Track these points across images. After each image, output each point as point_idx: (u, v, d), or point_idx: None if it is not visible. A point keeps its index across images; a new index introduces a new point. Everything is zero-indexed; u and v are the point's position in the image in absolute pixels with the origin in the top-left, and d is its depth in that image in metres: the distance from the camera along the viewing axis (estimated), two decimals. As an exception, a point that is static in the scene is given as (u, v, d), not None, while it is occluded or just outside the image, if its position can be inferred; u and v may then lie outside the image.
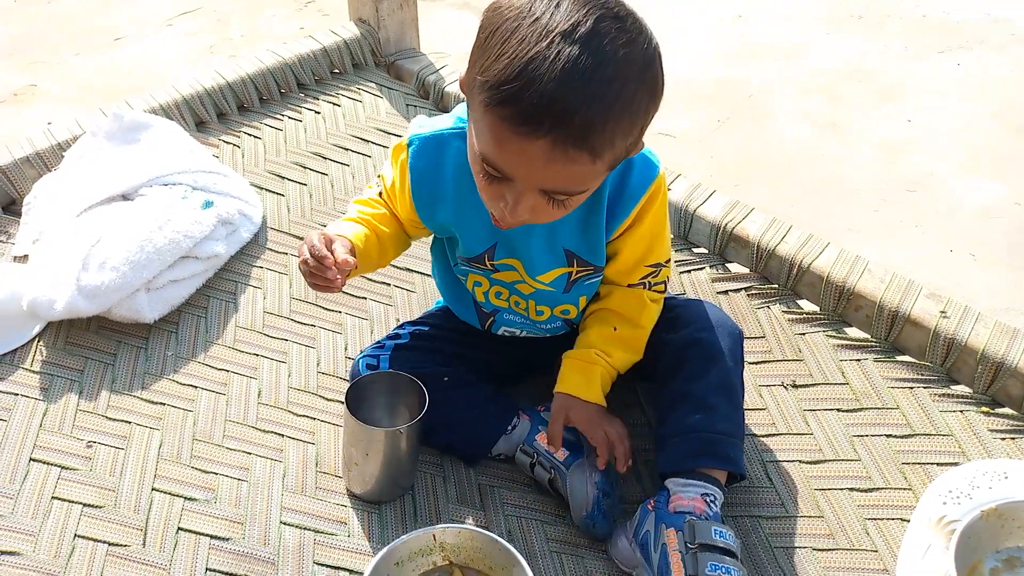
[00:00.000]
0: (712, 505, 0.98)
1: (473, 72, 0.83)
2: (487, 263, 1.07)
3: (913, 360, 1.19)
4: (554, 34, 0.76)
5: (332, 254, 0.95)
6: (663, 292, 1.09)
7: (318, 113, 1.63)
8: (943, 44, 2.98)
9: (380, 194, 1.11)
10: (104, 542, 0.99)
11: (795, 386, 1.19)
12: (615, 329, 1.07)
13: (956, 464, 1.06)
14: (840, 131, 2.58)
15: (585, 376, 1.07)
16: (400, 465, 1.06)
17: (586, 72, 0.76)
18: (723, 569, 0.93)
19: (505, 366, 1.19)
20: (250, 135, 1.56)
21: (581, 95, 0.76)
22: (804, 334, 1.24)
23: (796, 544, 1.04)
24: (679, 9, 3.18)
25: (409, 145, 1.02)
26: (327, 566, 1.01)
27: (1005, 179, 2.38)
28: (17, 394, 1.14)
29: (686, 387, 1.03)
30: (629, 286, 1.07)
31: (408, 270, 1.38)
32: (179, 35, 3.09)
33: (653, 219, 1.02)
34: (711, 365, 1.03)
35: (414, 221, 1.08)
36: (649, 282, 1.07)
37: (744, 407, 1.17)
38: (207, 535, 1.02)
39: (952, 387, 1.16)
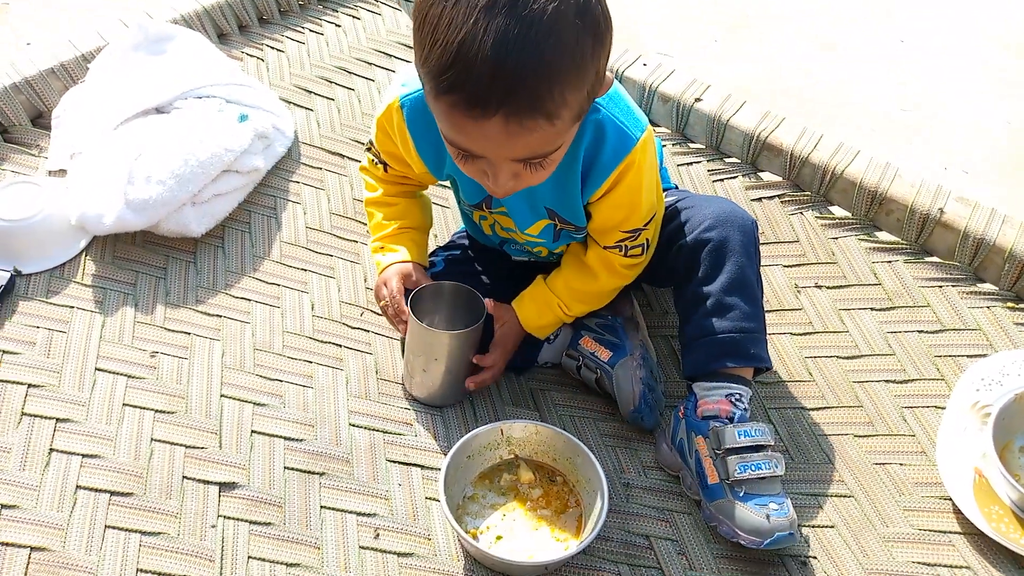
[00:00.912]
0: (738, 403, 1.01)
1: (417, 62, 0.83)
2: (486, 210, 1.10)
3: (941, 260, 1.25)
4: (478, 10, 0.75)
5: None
6: (640, 256, 1.08)
7: (339, 27, 1.60)
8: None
9: (385, 168, 1.13)
10: (181, 445, 1.02)
11: (819, 287, 1.24)
12: (576, 287, 1.11)
13: (985, 356, 1.13)
14: (835, 50, 2.61)
15: (538, 313, 1.13)
16: (463, 369, 1.10)
17: (518, 40, 0.75)
18: (752, 466, 0.96)
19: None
20: (272, 48, 1.53)
21: (518, 65, 0.75)
22: (836, 238, 1.29)
23: (838, 432, 1.11)
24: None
25: (402, 107, 1.02)
26: (399, 463, 1.05)
27: (999, 97, 2.44)
28: (72, 307, 1.14)
29: (701, 288, 1.04)
30: (605, 247, 1.07)
31: (442, 186, 1.39)
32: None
33: (629, 188, 1.00)
34: (724, 263, 1.03)
35: (420, 171, 1.10)
36: (626, 246, 1.06)
37: (779, 308, 1.23)
38: (281, 436, 1.05)
39: (979, 285, 1.22)
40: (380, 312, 1.18)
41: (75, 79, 1.35)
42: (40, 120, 1.34)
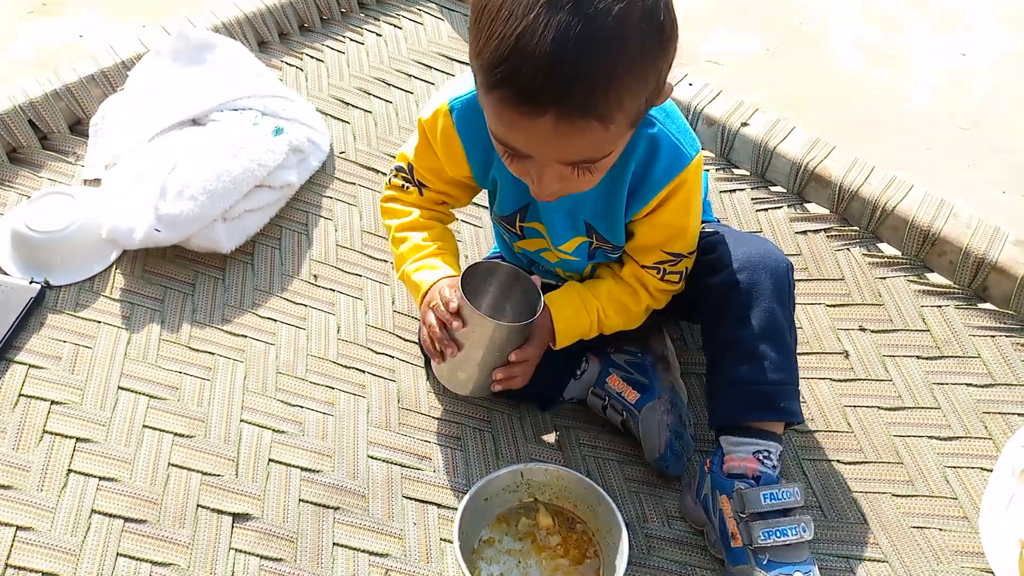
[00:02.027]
0: (766, 460, 0.96)
1: (471, 55, 0.79)
2: (516, 226, 1.05)
3: (996, 308, 1.18)
4: (540, 4, 0.72)
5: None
6: (676, 283, 1.04)
7: (379, 36, 1.58)
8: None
9: (421, 190, 1.08)
10: (198, 471, 1.01)
11: (863, 330, 1.18)
12: (617, 297, 1.05)
13: (1038, 415, 1.07)
14: (894, 63, 2.51)
15: (575, 313, 1.04)
16: (497, 364, 1.01)
17: (579, 38, 0.71)
18: (777, 532, 0.92)
19: None
20: (313, 57, 1.51)
21: (577, 63, 0.72)
22: (885, 278, 1.23)
23: (875, 490, 1.05)
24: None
25: (451, 111, 0.98)
26: (416, 499, 1.03)
27: (1065, 117, 2.33)
28: (100, 322, 1.14)
29: (730, 334, 0.99)
30: (643, 266, 1.03)
31: (475, 204, 1.36)
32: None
33: (676, 209, 0.97)
34: (754, 308, 0.98)
35: (464, 182, 1.06)
36: (664, 269, 1.02)
37: (820, 351, 1.17)
38: (298, 466, 1.03)
39: (1035, 337, 1.15)
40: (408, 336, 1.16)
41: (114, 86, 1.35)
42: (78, 127, 1.34)
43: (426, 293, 1.03)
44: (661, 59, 0.78)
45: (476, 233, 1.35)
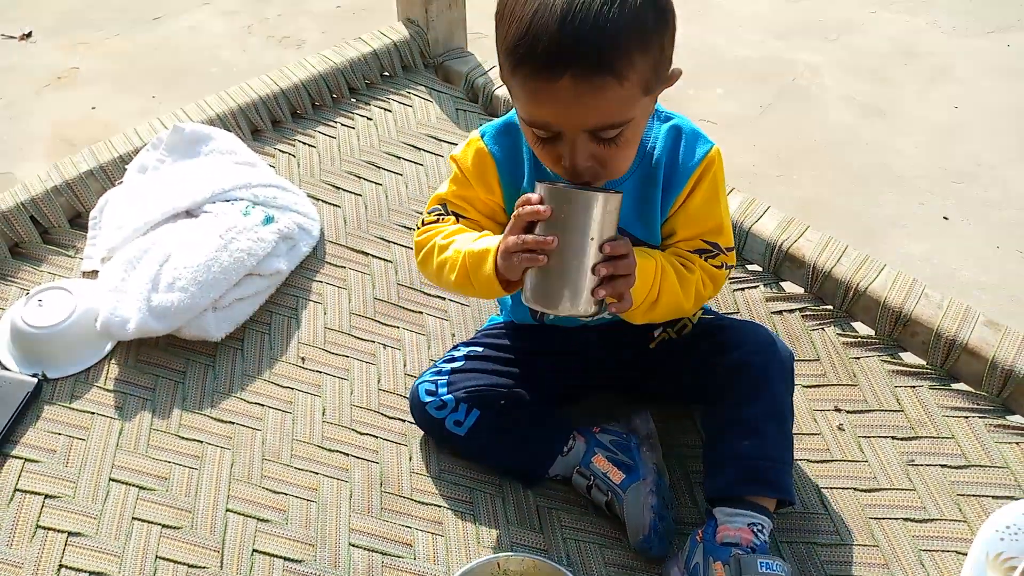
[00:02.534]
0: (760, 534, 0.99)
1: (498, 48, 0.90)
2: None
3: (969, 389, 1.19)
4: None
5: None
6: (720, 269, 1.05)
7: (370, 119, 1.63)
8: (993, 23, 2.90)
9: (458, 219, 1.07)
10: (184, 564, 1.04)
11: (839, 410, 1.20)
12: (675, 263, 1.03)
13: (1012, 497, 1.08)
14: (886, 117, 2.54)
15: (641, 255, 0.96)
16: (591, 253, 0.89)
17: (583, 6, 0.83)
18: None
19: (558, 384, 1.21)
20: (305, 143, 1.57)
21: (585, 24, 0.83)
22: (859, 358, 1.25)
23: (851, 573, 1.06)
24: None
25: (482, 136, 1.07)
26: (396, 589, 1.05)
27: (1057, 171, 2.34)
28: (94, 413, 1.18)
29: (735, 412, 1.04)
30: (687, 251, 1.06)
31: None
32: (217, 13, 3.08)
33: (707, 195, 1.03)
34: (760, 390, 1.04)
35: (496, 213, 1.09)
36: (707, 255, 1.05)
37: (797, 432, 1.19)
38: (281, 557, 1.06)
39: (1008, 418, 1.16)
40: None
41: (112, 180, 1.41)
42: (78, 220, 1.40)
43: (497, 248, 0.95)
44: (662, 27, 0.88)
45: (463, 312, 1.38)
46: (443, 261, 1.03)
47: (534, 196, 0.90)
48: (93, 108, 2.66)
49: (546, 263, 0.88)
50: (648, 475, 1.11)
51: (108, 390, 1.21)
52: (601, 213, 0.88)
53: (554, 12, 0.83)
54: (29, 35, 2.98)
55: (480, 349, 1.22)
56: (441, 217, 1.10)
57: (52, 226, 1.38)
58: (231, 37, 2.96)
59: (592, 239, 0.88)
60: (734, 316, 1.30)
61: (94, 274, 1.32)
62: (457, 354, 1.21)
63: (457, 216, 1.09)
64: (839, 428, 1.18)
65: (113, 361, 1.25)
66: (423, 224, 1.10)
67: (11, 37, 2.97)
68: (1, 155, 2.47)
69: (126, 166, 1.41)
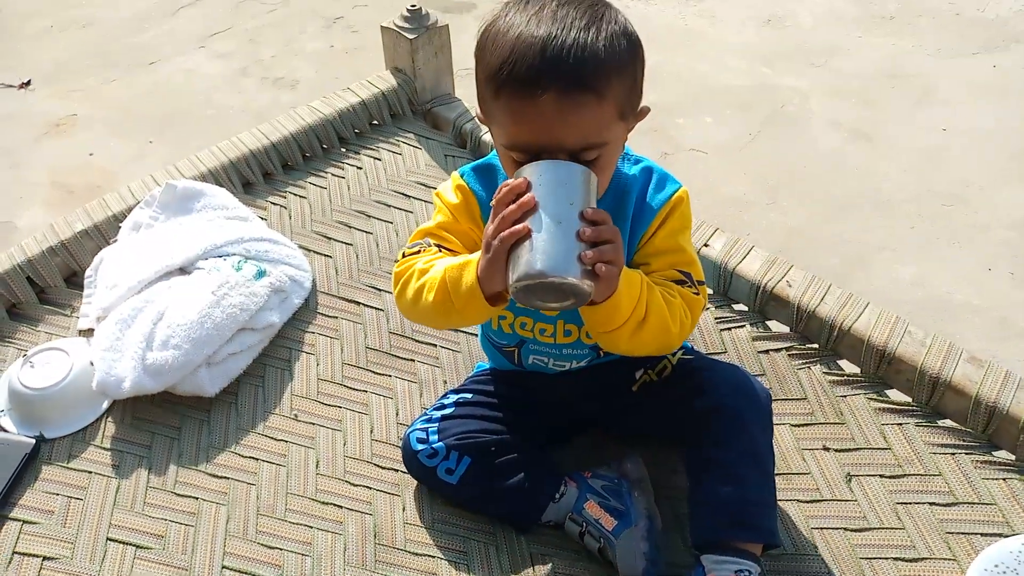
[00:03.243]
0: None
1: (479, 81, 0.94)
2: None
3: (955, 425, 1.21)
4: (529, 15, 0.91)
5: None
6: (698, 295, 1.04)
7: (360, 168, 1.66)
8: (978, 44, 2.93)
9: (419, 250, 1.08)
10: (181, 623, 1.05)
11: (827, 449, 1.21)
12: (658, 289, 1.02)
13: (1000, 535, 1.09)
14: (874, 141, 2.56)
15: (626, 273, 0.96)
16: (575, 219, 0.89)
17: (563, 29, 0.89)
18: None
19: (548, 428, 1.23)
20: (296, 195, 1.60)
21: (564, 46, 0.88)
22: (845, 396, 1.26)
23: (842, 615, 1.07)
24: (716, 7, 3.16)
25: (462, 175, 1.10)
26: (390, 643, 1.06)
27: (1045, 192, 2.36)
28: (91, 472, 1.20)
29: (713, 453, 1.05)
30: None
31: (454, 330, 1.42)
32: (212, 57, 3.13)
33: (673, 228, 1.05)
34: (737, 432, 1.05)
35: (478, 243, 1.03)
36: (683, 282, 1.04)
37: (785, 472, 1.20)
38: (277, 614, 1.07)
39: (994, 454, 1.17)
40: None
41: (107, 238, 1.43)
42: (73, 279, 1.43)
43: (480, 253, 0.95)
44: (634, 57, 0.95)
45: (454, 359, 1.40)
46: (422, 285, 1.02)
47: (509, 180, 0.92)
48: (91, 154, 2.70)
49: (530, 235, 0.87)
50: (640, 520, 1.12)
51: (105, 448, 1.23)
52: (579, 181, 0.90)
53: (536, 38, 0.89)
54: (28, 83, 3.03)
55: (469, 395, 1.24)
56: (423, 249, 1.09)
57: (48, 286, 1.40)
58: (225, 79, 3.00)
59: (572, 204, 0.89)
60: (717, 356, 1.32)
61: (90, 332, 1.35)
62: (447, 401, 1.22)
63: (440, 247, 1.08)
64: (826, 467, 1.19)
65: (110, 419, 1.27)
66: (403, 256, 1.09)
67: (10, 86, 3.02)
68: (0, 204, 2.51)
69: (120, 224, 1.44)
